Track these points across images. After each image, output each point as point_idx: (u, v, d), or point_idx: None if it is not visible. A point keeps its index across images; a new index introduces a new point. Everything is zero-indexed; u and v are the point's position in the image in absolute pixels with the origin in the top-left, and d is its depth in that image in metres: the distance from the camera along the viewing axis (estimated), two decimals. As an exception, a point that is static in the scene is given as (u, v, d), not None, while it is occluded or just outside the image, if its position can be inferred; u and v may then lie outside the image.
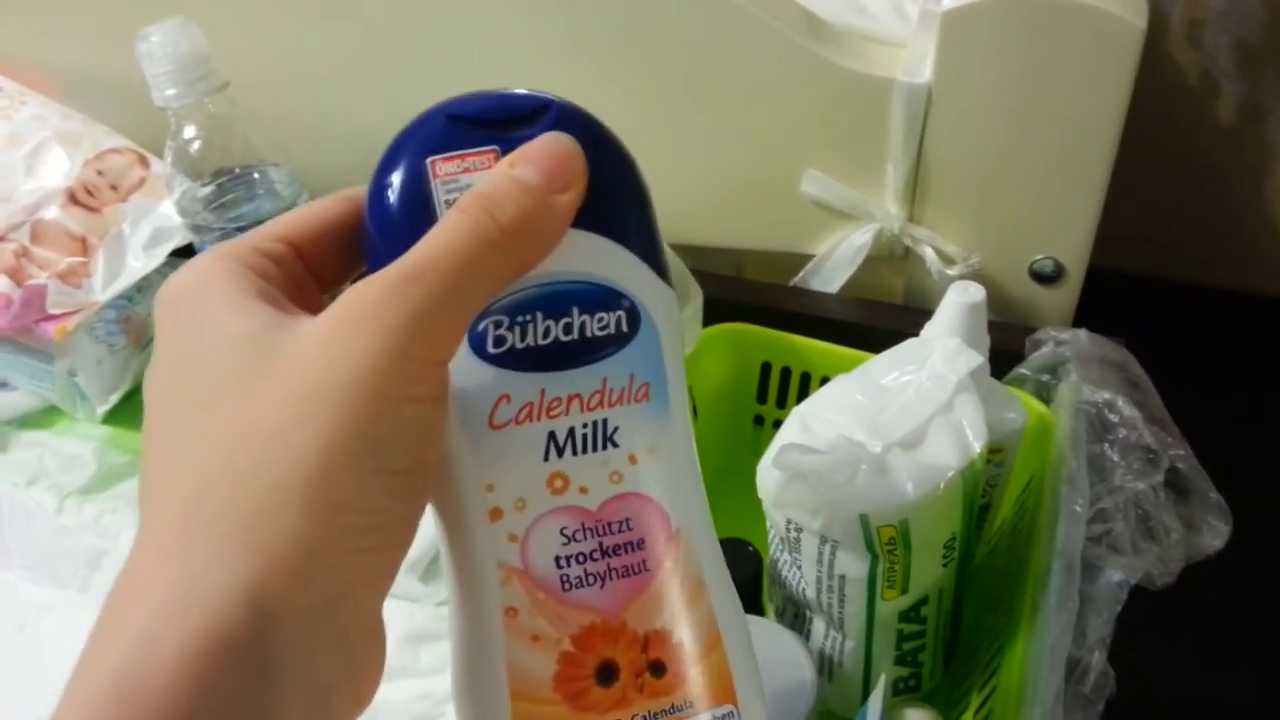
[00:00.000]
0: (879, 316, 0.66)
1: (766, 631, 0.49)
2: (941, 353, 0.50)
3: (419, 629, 0.61)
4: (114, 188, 0.77)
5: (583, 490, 0.30)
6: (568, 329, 0.30)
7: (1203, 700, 0.59)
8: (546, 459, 0.30)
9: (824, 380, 0.53)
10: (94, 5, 0.80)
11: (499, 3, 0.68)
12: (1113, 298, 0.66)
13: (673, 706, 0.31)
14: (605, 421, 0.30)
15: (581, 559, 0.30)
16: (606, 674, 0.30)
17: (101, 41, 0.80)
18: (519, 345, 0.29)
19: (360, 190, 0.31)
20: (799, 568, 0.50)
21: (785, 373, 0.63)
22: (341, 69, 0.76)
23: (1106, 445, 0.53)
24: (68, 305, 0.72)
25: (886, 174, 0.64)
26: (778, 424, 0.51)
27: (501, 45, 0.70)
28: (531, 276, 0.29)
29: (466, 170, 0.30)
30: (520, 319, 0.29)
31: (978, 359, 0.50)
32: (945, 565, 0.49)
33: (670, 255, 0.54)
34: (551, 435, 0.30)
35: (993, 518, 0.59)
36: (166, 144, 0.68)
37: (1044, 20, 0.56)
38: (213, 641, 0.22)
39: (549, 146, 0.29)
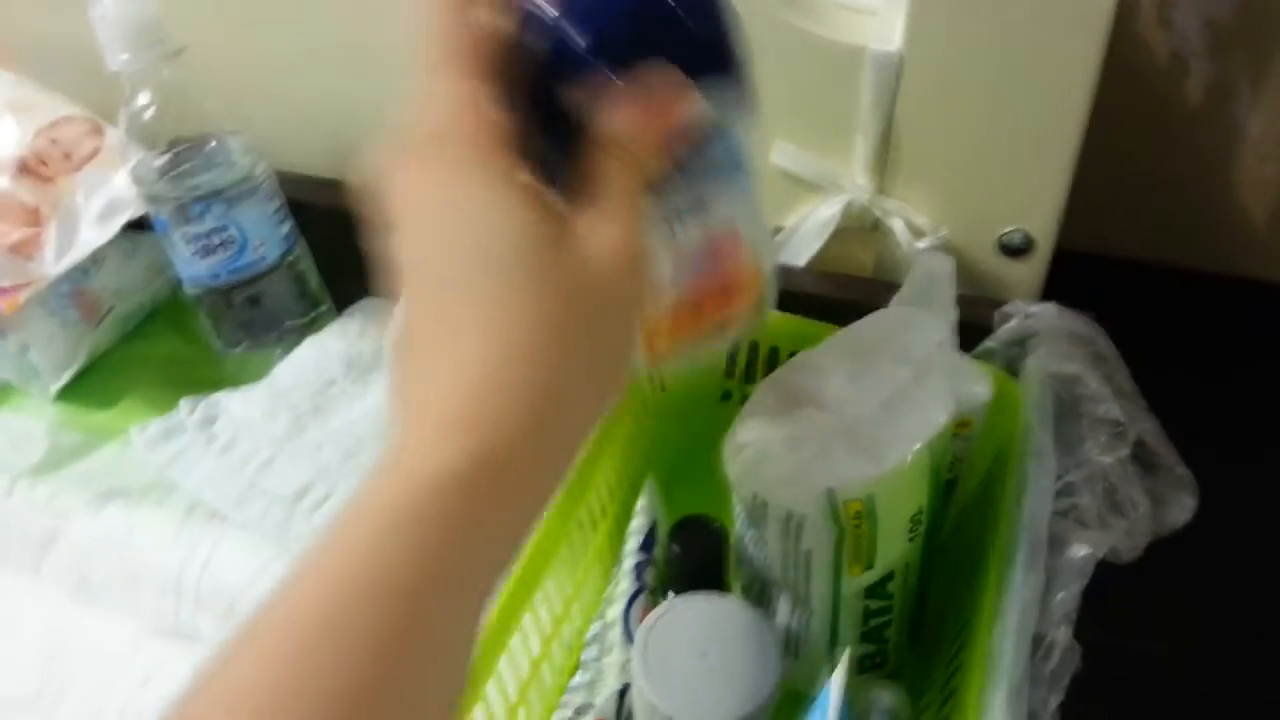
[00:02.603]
0: (849, 290, 0.65)
1: (730, 610, 0.49)
2: (907, 325, 0.49)
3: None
4: (67, 157, 0.75)
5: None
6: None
7: (1168, 674, 0.58)
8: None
9: (792, 354, 0.52)
10: (45, -31, 0.78)
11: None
12: (1081, 276, 0.66)
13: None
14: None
15: None
16: None
17: (55, 7, 0.77)
18: None
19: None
20: (764, 544, 0.49)
21: (754, 347, 0.62)
22: (301, 36, 0.75)
23: (1074, 419, 0.53)
24: (19, 278, 0.70)
25: (856, 145, 0.63)
26: (745, 400, 0.50)
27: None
28: None
29: None
30: None
31: (943, 331, 0.49)
32: (911, 540, 0.49)
33: None
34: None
35: (960, 492, 0.58)
36: (120, 111, 0.66)
37: (1015, -11, 0.55)
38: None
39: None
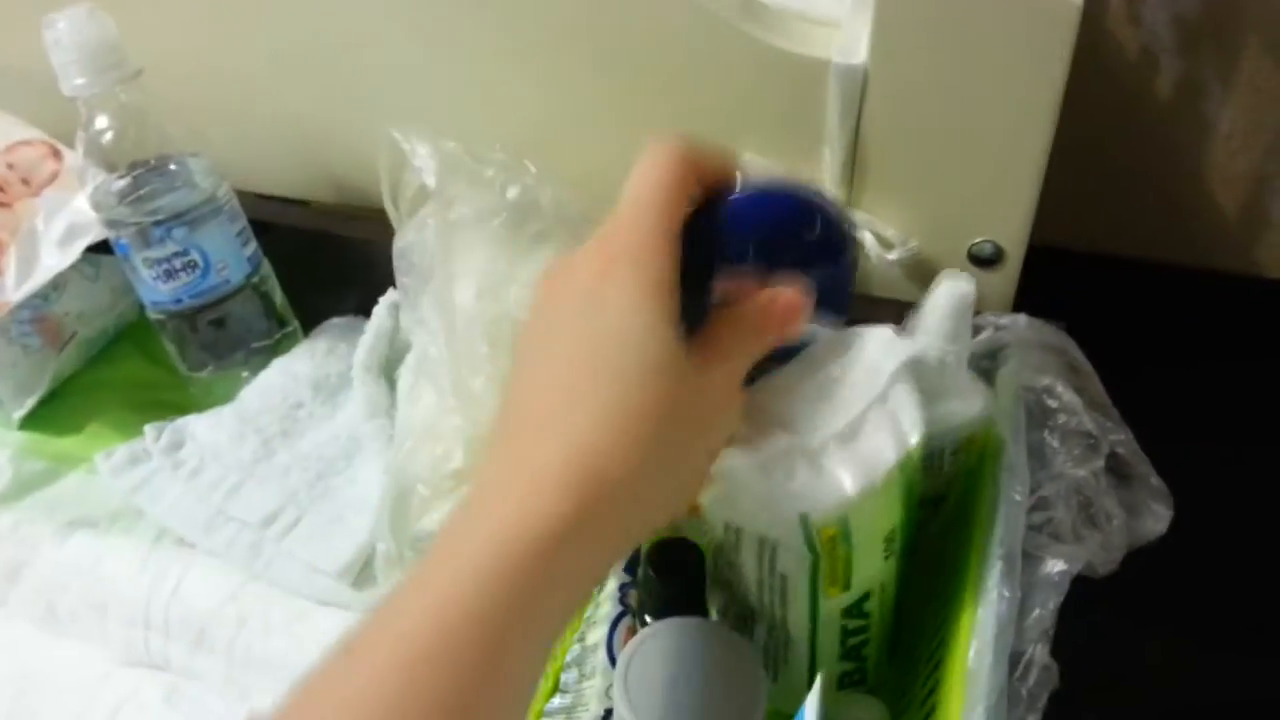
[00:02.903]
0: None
1: (712, 635, 0.48)
2: (875, 342, 0.49)
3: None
4: (25, 182, 0.73)
5: None
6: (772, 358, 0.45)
7: (1148, 689, 0.59)
8: None
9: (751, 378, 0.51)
10: (-3, -9, 0.77)
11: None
12: (1048, 272, 0.66)
13: None
14: None
15: None
16: None
17: (8, 30, 0.76)
18: None
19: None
20: (740, 568, 0.49)
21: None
22: (261, 57, 0.74)
23: (1046, 431, 0.53)
24: (-23, 306, 0.69)
25: (824, 157, 0.62)
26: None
27: (428, 31, 0.68)
28: None
29: None
30: None
31: (912, 347, 0.48)
32: (886, 559, 0.48)
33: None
34: None
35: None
36: (78, 135, 0.65)
37: (979, -1, 0.55)
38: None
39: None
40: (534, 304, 0.41)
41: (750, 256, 0.46)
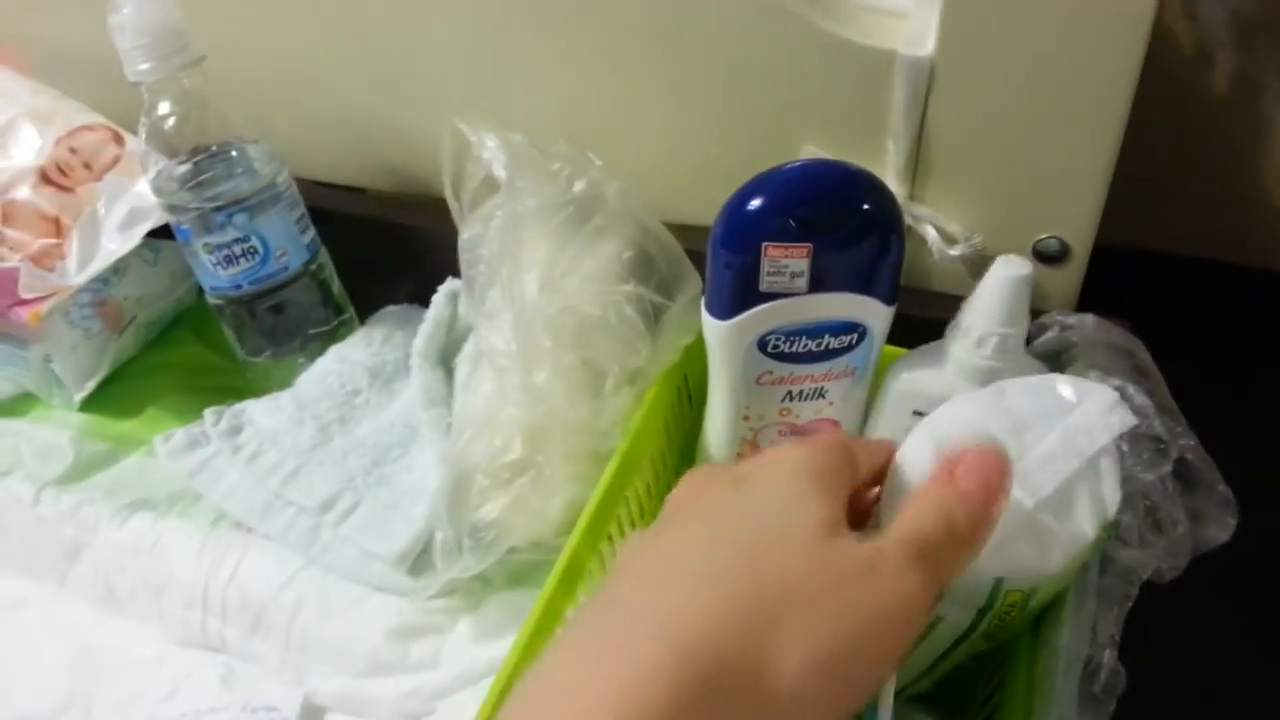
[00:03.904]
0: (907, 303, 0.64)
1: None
2: (1095, 402, 0.43)
3: (408, 623, 0.59)
4: (88, 166, 0.74)
5: (797, 415, 0.56)
6: (819, 344, 0.52)
7: (1212, 694, 0.58)
8: (782, 401, 0.55)
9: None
10: (63, -24, 0.78)
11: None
12: (1104, 270, 0.65)
13: None
14: (822, 387, 0.54)
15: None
16: None
17: (73, 15, 0.77)
18: (786, 349, 0.52)
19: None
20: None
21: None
22: (322, 44, 0.74)
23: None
24: (41, 289, 0.70)
25: (887, 150, 0.62)
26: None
27: (488, 20, 0.68)
28: (810, 319, 0.51)
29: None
30: (792, 336, 0.51)
31: (1131, 420, 0.43)
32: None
33: (669, 241, 0.52)
34: (788, 393, 0.54)
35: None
36: (140, 120, 0.66)
37: (1051, -8, 0.54)
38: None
39: (989, 462, 0.37)
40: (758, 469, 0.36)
41: (795, 230, 0.47)
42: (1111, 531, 0.44)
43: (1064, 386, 0.44)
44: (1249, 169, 0.73)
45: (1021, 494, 0.40)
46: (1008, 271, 0.48)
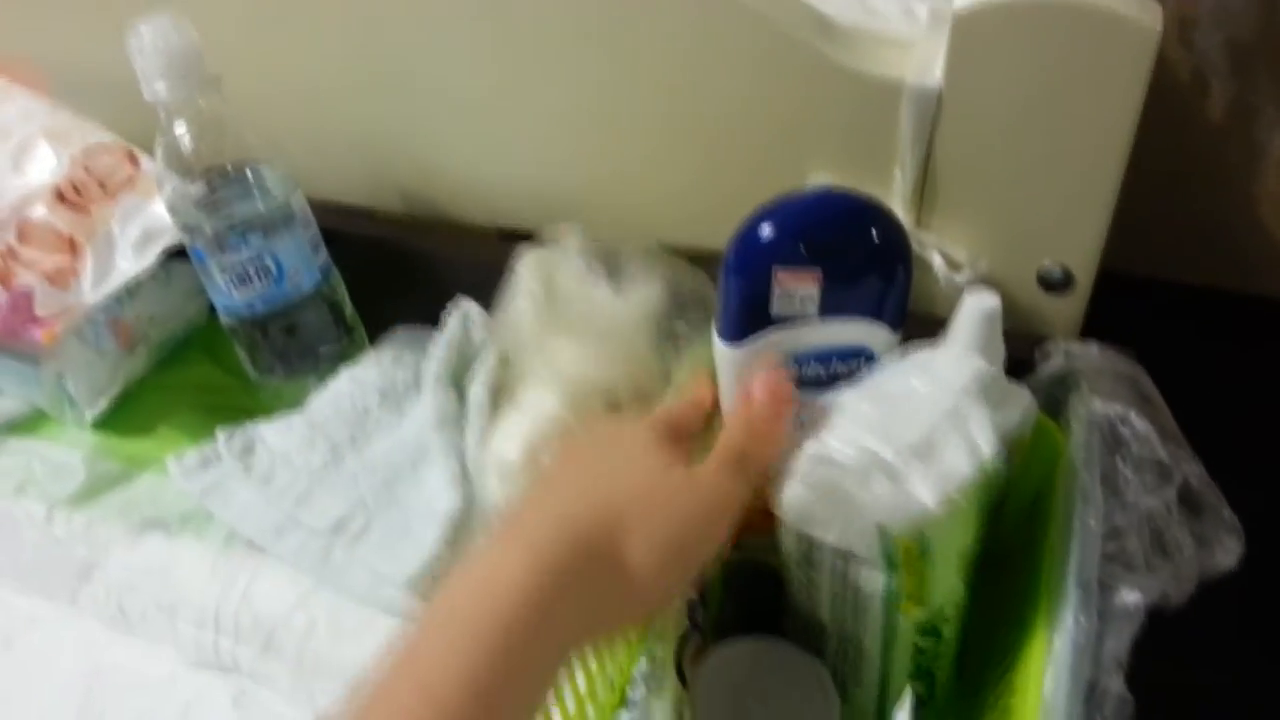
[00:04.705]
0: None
1: (786, 655, 0.49)
2: (945, 359, 0.49)
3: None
4: (102, 186, 0.75)
5: None
6: (828, 370, 0.52)
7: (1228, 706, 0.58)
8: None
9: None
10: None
11: (504, 5, 0.67)
12: (1101, 295, 0.66)
13: None
14: None
15: None
16: None
17: (91, 35, 0.78)
18: (795, 375, 0.51)
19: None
20: (815, 585, 0.49)
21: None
22: (336, 67, 0.75)
23: (1119, 460, 0.53)
24: (56, 308, 0.71)
25: (894, 178, 0.63)
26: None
27: (503, 45, 0.69)
28: (819, 344, 0.51)
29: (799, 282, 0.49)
30: (801, 363, 0.52)
31: (982, 365, 0.49)
32: (962, 577, 0.49)
33: (691, 271, 0.54)
34: (797, 418, 0.50)
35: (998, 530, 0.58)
36: (156, 140, 0.66)
37: (1058, 23, 0.54)
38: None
39: (772, 377, 0.49)
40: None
41: (805, 257, 0.48)
42: (999, 472, 0.47)
43: (920, 357, 0.50)
44: (1243, 196, 0.73)
45: (880, 445, 0.45)
46: (978, 305, 0.50)
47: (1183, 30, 0.67)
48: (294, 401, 0.72)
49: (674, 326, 0.63)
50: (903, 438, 0.46)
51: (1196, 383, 0.59)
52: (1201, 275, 0.77)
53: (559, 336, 0.61)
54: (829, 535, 0.47)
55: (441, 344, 0.72)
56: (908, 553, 0.46)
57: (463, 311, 0.73)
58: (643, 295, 0.62)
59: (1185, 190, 0.74)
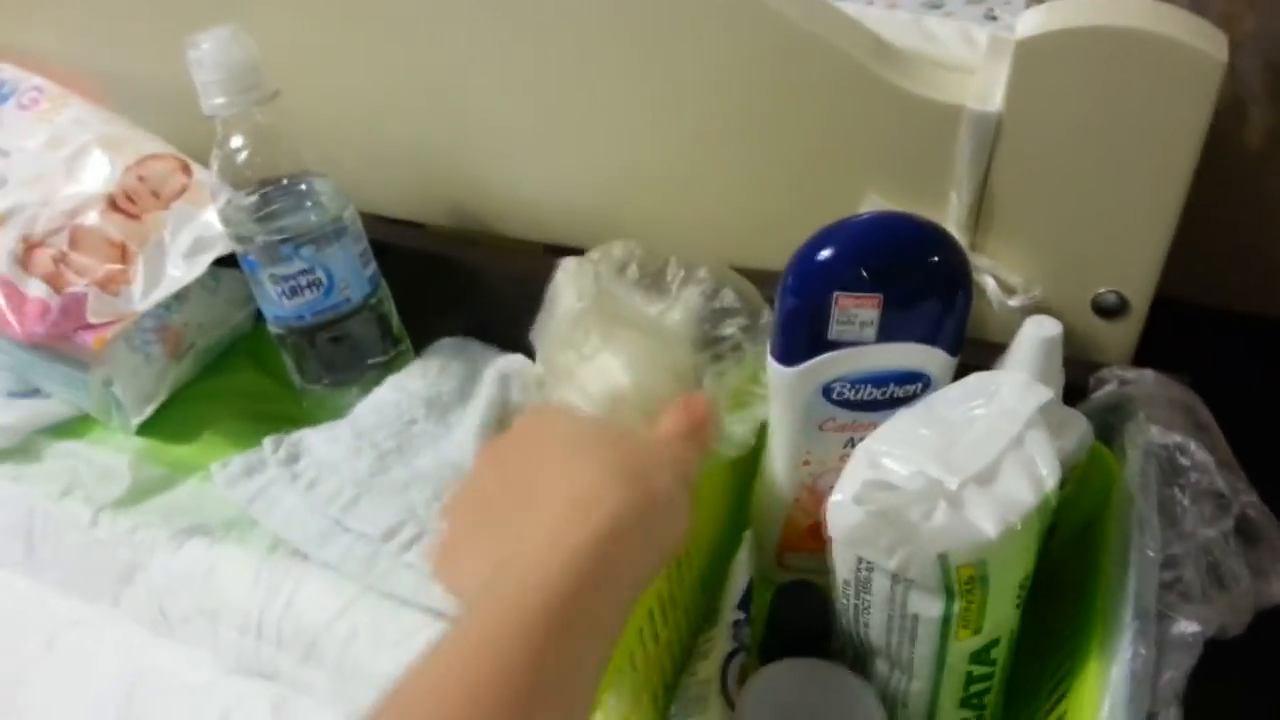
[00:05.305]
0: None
1: (835, 677, 0.48)
2: (1009, 387, 0.49)
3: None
4: (155, 194, 0.76)
5: None
6: (884, 393, 0.52)
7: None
8: (844, 447, 0.55)
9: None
10: (141, 10, 0.79)
11: (555, 24, 0.67)
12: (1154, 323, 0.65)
13: None
14: None
15: None
16: None
17: (148, 46, 0.79)
18: (851, 397, 0.53)
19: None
20: (867, 608, 0.49)
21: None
22: (389, 83, 0.75)
23: (1177, 489, 0.52)
24: (107, 314, 0.71)
25: (950, 201, 0.62)
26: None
27: (556, 67, 0.69)
28: (877, 368, 0.52)
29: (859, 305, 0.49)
30: (857, 384, 0.52)
31: (1047, 393, 0.48)
32: (1017, 605, 0.48)
33: (736, 279, 0.54)
34: (850, 440, 0.54)
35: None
36: (213, 152, 0.67)
37: (1121, 51, 0.54)
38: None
39: (693, 401, 0.52)
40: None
41: (867, 280, 0.48)
42: (1055, 500, 0.46)
43: (982, 383, 0.49)
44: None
45: (945, 475, 0.45)
46: (1038, 332, 0.50)
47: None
48: (338, 410, 0.72)
49: (716, 335, 0.62)
50: (965, 465, 0.45)
51: (1249, 410, 0.59)
52: (1239, 301, 0.76)
53: (599, 344, 0.60)
54: (886, 560, 0.46)
55: (483, 402, 0.72)
56: (967, 580, 0.45)
57: (501, 372, 0.74)
58: (684, 304, 0.62)
59: (1222, 215, 0.74)
